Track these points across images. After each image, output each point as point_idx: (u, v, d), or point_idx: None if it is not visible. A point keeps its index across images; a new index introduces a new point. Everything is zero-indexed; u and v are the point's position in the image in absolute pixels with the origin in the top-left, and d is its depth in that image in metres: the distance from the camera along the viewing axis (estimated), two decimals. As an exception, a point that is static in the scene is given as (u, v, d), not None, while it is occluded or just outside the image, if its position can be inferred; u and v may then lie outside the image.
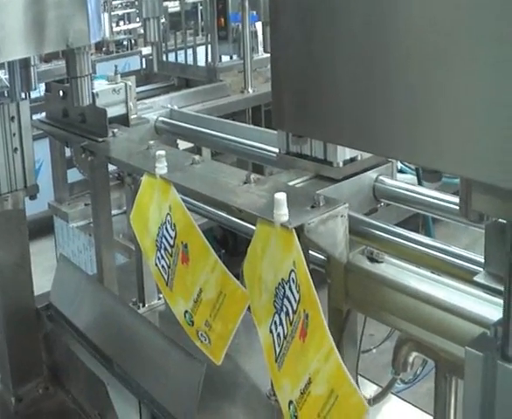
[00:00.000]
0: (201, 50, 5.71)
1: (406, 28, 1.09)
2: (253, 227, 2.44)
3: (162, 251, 2.38)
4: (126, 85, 3.04)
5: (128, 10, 7.86)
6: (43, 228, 5.91)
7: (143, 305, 3.29)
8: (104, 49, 7.21)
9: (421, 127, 1.07)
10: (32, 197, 3.09)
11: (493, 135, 0.98)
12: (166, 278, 2.40)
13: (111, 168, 3.43)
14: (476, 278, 1.58)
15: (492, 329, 1.08)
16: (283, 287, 1.84)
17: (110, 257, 3.35)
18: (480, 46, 0.98)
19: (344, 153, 2.22)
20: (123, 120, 3.04)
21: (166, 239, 2.35)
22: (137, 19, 7.77)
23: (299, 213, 1.87)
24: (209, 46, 5.54)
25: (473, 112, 1.00)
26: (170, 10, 6.51)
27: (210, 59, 5.47)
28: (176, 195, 2.29)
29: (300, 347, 1.80)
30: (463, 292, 1.68)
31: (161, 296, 3.29)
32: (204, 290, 2.25)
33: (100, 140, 2.84)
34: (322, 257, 2.15)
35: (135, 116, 3.05)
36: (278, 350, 1.90)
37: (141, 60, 6.52)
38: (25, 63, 2.92)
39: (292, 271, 1.80)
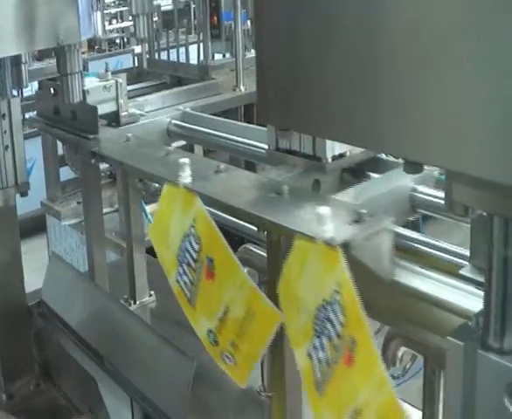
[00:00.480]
0: (193, 48, 5.72)
1: (396, 23, 1.08)
2: (248, 225, 2.45)
3: (185, 266, 2.20)
4: (117, 82, 3.05)
5: (121, 9, 7.83)
6: (36, 227, 5.92)
7: (134, 302, 3.30)
8: (97, 47, 7.20)
9: (412, 120, 1.05)
10: (23, 194, 3.10)
11: (493, 132, 0.97)
12: (188, 294, 2.23)
13: (103, 165, 3.43)
14: (462, 272, 1.60)
15: (474, 319, 1.09)
16: (325, 309, 1.69)
17: (101, 255, 3.35)
18: (470, 44, 0.98)
19: (333, 148, 2.23)
20: (114, 118, 3.05)
21: (189, 253, 2.17)
22: (130, 17, 7.74)
23: (342, 229, 1.73)
24: (201, 45, 5.55)
25: (469, 107, 0.99)
26: (163, 8, 6.50)
27: (202, 58, 5.47)
28: (202, 206, 2.11)
29: (346, 375, 1.65)
30: (450, 286, 1.69)
31: (152, 293, 3.30)
32: (230, 308, 2.09)
33: (91, 137, 2.84)
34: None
35: (126, 113, 3.06)
36: (319, 376, 1.74)
37: (133, 58, 6.51)
38: (16, 60, 2.92)
39: (336, 291, 1.64)
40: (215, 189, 2.18)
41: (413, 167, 1.07)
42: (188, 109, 3.34)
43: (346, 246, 1.66)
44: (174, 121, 3.21)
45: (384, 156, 2.37)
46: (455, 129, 1.02)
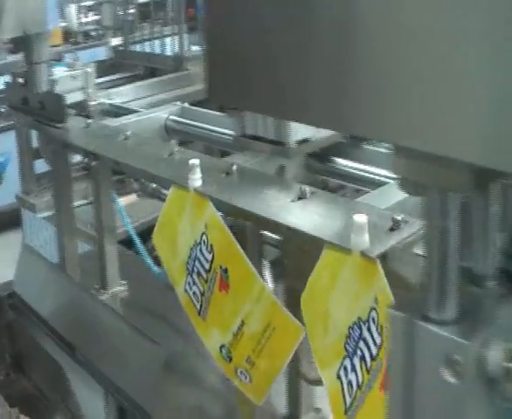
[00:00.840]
0: (169, 41, 5.71)
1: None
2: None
3: (195, 276, 2.07)
4: (85, 71, 3.04)
5: (98, 1, 7.79)
6: (11, 221, 5.86)
7: (106, 292, 3.29)
8: (72, 40, 7.18)
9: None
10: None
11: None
12: (198, 306, 2.09)
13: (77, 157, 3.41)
14: (415, 250, 1.61)
15: (416, 292, 1.10)
16: (359, 327, 1.53)
17: (73, 246, 3.34)
18: (431, 19, 0.96)
19: (297, 133, 2.24)
20: (82, 107, 3.05)
21: (200, 262, 2.04)
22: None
23: (379, 238, 1.57)
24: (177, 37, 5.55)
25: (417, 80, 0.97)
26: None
27: (177, 49, 5.47)
28: (215, 212, 1.96)
29: (382, 402, 1.45)
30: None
31: (123, 282, 3.29)
32: (246, 322, 1.95)
33: (59, 126, 2.83)
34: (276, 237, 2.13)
35: (95, 103, 3.05)
36: (349, 400, 1.59)
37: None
38: (-16, 50, 2.92)
39: (373, 308, 1.50)
40: (229, 194, 2.01)
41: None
42: (186, 104, 3.30)
43: (384, 258, 1.51)
44: (172, 117, 3.15)
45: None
46: (408, 105, 1.00)
